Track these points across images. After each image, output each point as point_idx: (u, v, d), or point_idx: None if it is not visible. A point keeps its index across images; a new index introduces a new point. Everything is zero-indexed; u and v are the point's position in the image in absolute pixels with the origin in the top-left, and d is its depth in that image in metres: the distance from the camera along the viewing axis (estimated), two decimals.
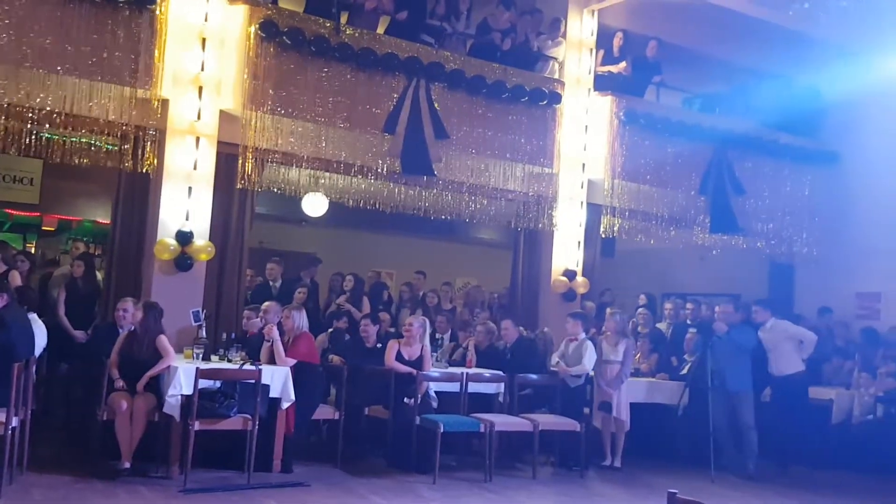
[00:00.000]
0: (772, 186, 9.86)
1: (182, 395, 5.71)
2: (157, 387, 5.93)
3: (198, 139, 7.06)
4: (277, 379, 6.10)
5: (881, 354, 8.78)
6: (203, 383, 5.72)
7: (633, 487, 6.81)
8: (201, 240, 7.02)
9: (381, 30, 8.35)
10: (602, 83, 9.25)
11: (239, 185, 7.20)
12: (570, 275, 8.91)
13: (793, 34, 9.24)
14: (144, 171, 6.86)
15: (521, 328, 8.17)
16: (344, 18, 7.89)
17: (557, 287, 8.89)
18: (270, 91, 7.30)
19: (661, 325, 9.14)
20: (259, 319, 6.79)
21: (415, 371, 6.78)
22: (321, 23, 7.59)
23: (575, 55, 9.14)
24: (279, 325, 6.46)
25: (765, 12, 8.89)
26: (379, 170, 7.80)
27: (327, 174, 7.76)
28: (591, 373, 7.59)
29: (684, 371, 8.14)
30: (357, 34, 7.77)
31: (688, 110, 9.90)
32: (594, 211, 9.04)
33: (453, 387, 7.07)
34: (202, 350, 6.19)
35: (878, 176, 9.78)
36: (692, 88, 10.17)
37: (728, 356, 7.59)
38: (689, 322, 8.86)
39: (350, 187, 8.04)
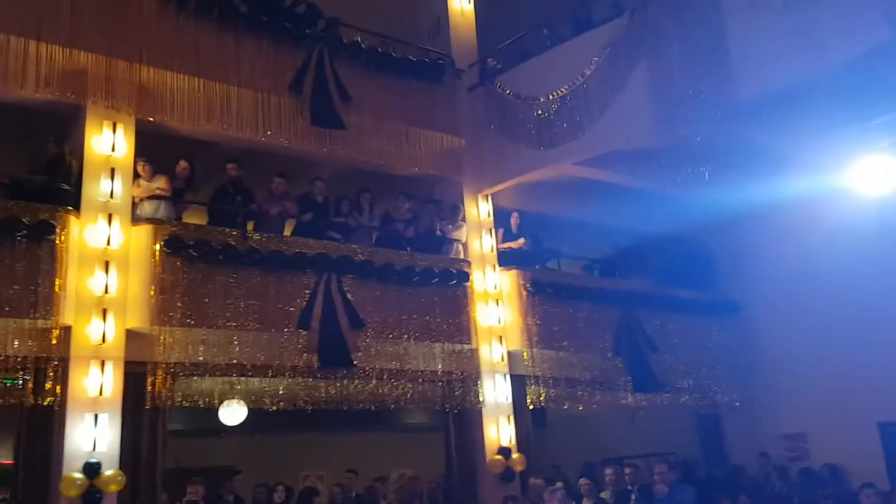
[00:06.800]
0: (683, 340, 10.11)
1: None
2: None
3: (102, 363, 6.77)
4: None
5: (820, 494, 8.75)
6: None
7: None
8: (110, 469, 6.54)
9: (287, 232, 8.55)
10: (505, 259, 9.63)
11: (148, 405, 6.87)
12: (505, 452, 8.68)
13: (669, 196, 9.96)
14: (46, 403, 6.46)
15: None
16: (250, 226, 8.08)
17: (494, 467, 8.60)
18: (179, 304, 7.20)
19: (605, 494, 8.88)
20: None
21: None
22: (227, 232, 7.72)
23: (477, 236, 9.56)
24: None
25: (637, 182, 9.51)
26: (296, 366, 7.63)
27: (242, 379, 7.55)
28: None
29: None
30: (264, 238, 7.91)
31: (589, 276, 10.33)
32: (519, 382, 9.01)
33: None
34: None
35: (780, 319, 10.16)
36: (589, 255, 10.67)
37: None
38: (629, 487, 8.68)
39: (268, 389, 7.79)
